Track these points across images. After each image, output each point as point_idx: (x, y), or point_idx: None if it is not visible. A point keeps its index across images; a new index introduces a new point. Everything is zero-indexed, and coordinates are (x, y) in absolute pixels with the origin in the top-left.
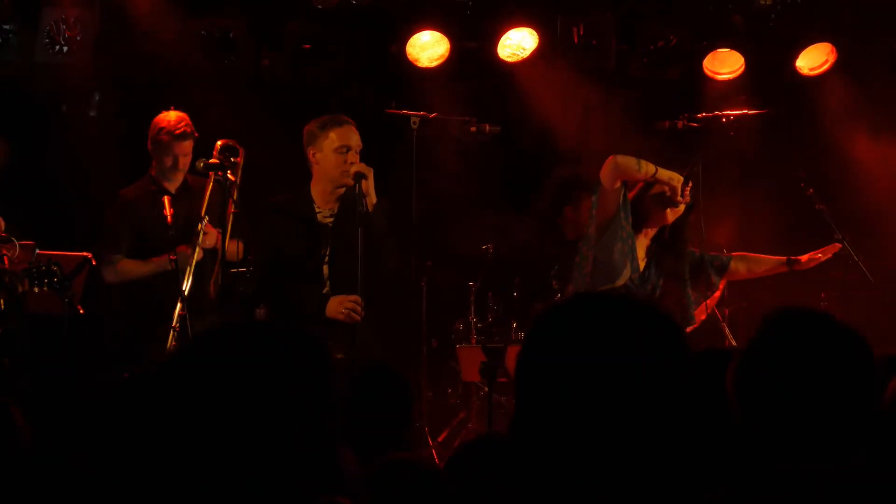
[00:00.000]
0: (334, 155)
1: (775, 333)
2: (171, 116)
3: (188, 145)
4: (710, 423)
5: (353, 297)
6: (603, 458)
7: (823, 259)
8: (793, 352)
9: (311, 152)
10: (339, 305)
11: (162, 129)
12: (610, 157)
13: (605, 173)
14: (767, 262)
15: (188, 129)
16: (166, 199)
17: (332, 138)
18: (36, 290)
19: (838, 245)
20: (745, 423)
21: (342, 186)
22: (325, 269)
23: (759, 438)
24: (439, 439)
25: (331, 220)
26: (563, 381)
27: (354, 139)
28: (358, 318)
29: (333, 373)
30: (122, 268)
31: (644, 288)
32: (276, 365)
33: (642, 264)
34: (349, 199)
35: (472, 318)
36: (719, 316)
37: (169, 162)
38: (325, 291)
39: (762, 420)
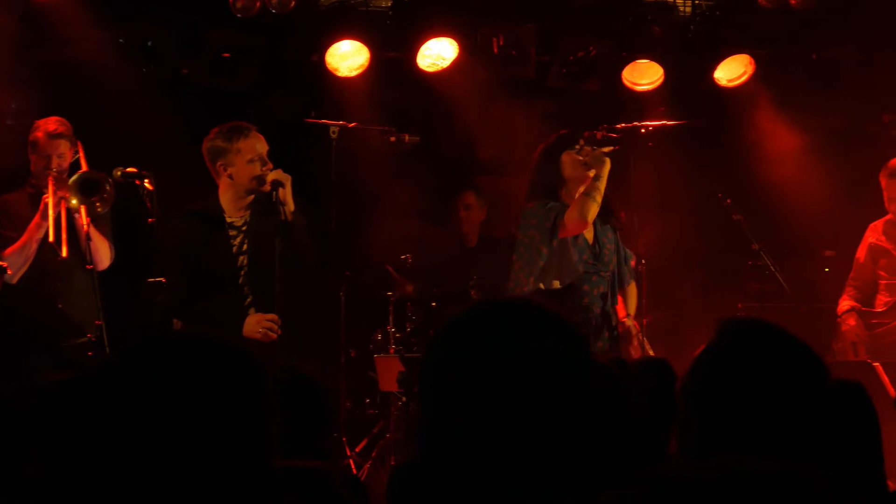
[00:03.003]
0: (248, 166)
1: (729, 342)
2: (50, 118)
3: (63, 145)
4: (611, 426)
5: (270, 316)
6: (504, 465)
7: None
8: (746, 360)
9: (221, 166)
10: (257, 325)
11: (38, 127)
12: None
13: (573, 227)
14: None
15: (65, 131)
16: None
17: (243, 150)
18: None
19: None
20: (695, 430)
21: (253, 193)
22: (245, 280)
23: (709, 444)
24: (357, 449)
25: (245, 228)
26: (463, 390)
27: (262, 146)
28: (274, 336)
29: (270, 386)
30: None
31: (600, 262)
32: (212, 379)
33: (590, 236)
34: (262, 207)
35: (391, 328)
36: (636, 326)
37: (42, 163)
38: (246, 303)
39: (713, 427)
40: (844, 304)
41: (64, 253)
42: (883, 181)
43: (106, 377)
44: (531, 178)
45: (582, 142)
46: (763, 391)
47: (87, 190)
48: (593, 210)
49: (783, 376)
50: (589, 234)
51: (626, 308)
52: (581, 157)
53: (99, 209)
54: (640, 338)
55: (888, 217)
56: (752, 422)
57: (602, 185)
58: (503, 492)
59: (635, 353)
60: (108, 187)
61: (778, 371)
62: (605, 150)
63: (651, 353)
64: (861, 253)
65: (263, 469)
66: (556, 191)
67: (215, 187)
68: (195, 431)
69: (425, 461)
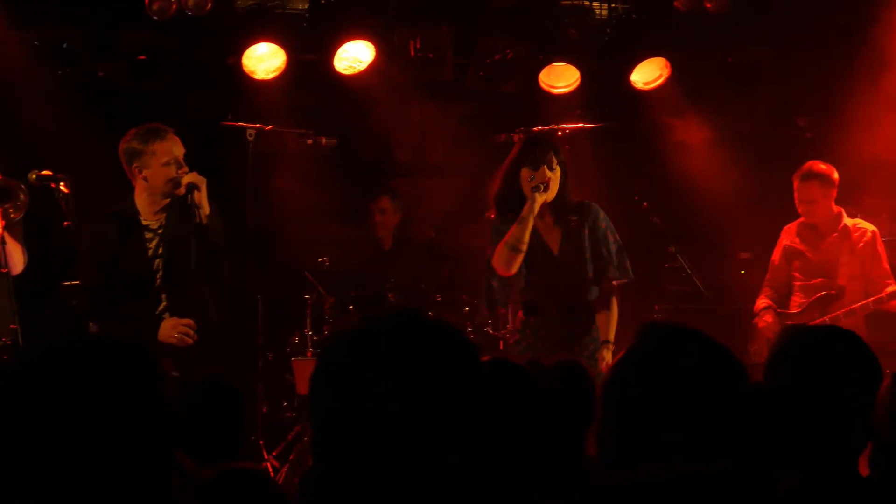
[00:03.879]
0: (164, 169)
1: (649, 346)
2: None
3: None
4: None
5: (185, 321)
6: (394, 475)
7: None
8: (667, 364)
9: (137, 168)
10: (172, 329)
11: None
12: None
13: (501, 272)
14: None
15: None
16: None
17: (159, 152)
18: None
19: None
20: (616, 435)
21: (169, 197)
22: (160, 282)
23: (630, 448)
24: (274, 453)
25: (161, 231)
26: (351, 399)
27: (178, 148)
28: (190, 341)
29: (162, 383)
30: None
31: (556, 265)
32: (101, 377)
33: (556, 247)
34: (179, 210)
35: (308, 331)
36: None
37: None
38: (161, 308)
39: (634, 431)
40: (761, 302)
41: None
42: (795, 183)
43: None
44: (498, 184)
45: (543, 168)
46: (684, 394)
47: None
48: (516, 260)
49: (704, 379)
50: (554, 245)
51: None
52: (532, 182)
53: (13, 216)
54: None
55: (802, 220)
56: (673, 425)
57: (526, 231)
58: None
59: None
60: (21, 195)
61: (698, 374)
62: (542, 185)
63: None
64: (776, 255)
65: (159, 464)
66: (517, 203)
67: (132, 190)
68: (86, 428)
69: (319, 470)
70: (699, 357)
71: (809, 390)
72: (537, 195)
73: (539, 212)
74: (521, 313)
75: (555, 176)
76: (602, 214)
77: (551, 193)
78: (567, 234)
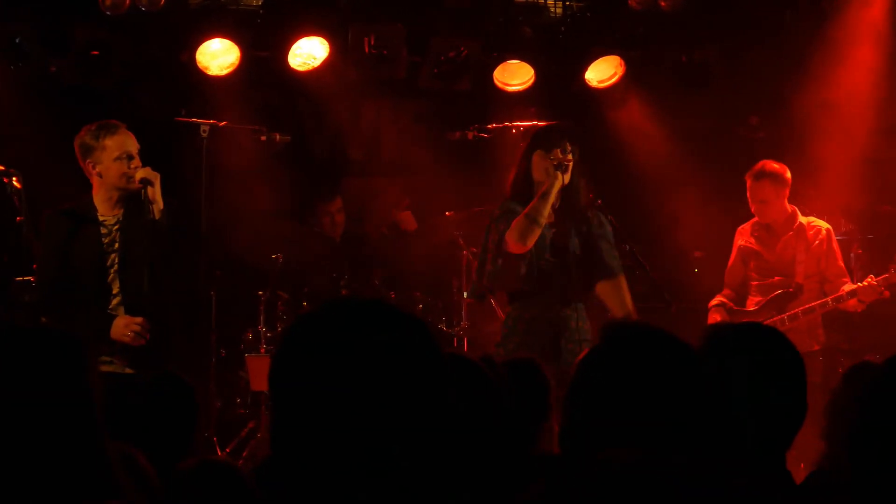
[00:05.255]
0: (116, 164)
1: (613, 345)
2: None
3: None
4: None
5: (137, 320)
6: (350, 463)
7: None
8: (632, 362)
9: (90, 164)
10: (125, 328)
11: None
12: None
13: (513, 248)
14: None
15: None
16: None
17: (110, 147)
18: None
19: None
20: (582, 433)
21: (125, 192)
22: (114, 278)
23: (595, 445)
24: (227, 449)
25: (116, 227)
26: (309, 387)
27: (131, 143)
28: (143, 341)
29: (90, 373)
30: None
31: (563, 257)
32: (24, 366)
33: (565, 240)
34: (135, 206)
35: (262, 328)
36: None
37: None
38: (114, 304)
39: (600, 429)
40: (715, 299)
41: None
42: (748, 182)
43: None
44: (513, 170)
45: (557, 150)
46: (648, 392)
47: None
48: (533, 233)
49: (666, 377)
50: (564, 238)
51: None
52: (550, 162)
53: None
54: None
55: (755, 220)
56: (638, 423)
57: (546, 205)
58: (351, 490)
59: None
60: None
61: (662, 372)
62: (563, 164)
63: None
64: (731, 256)
65: (87, 458)
66: (529, 189)
67: (86, 186)
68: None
69: (277, 460)
70: (662, 356)
71: (730, 387)
72: (559, 172)
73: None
74: (509, 308)
75: (571, 162)
76: (610, 217)
77: (568, 176)
78: (577, 227)
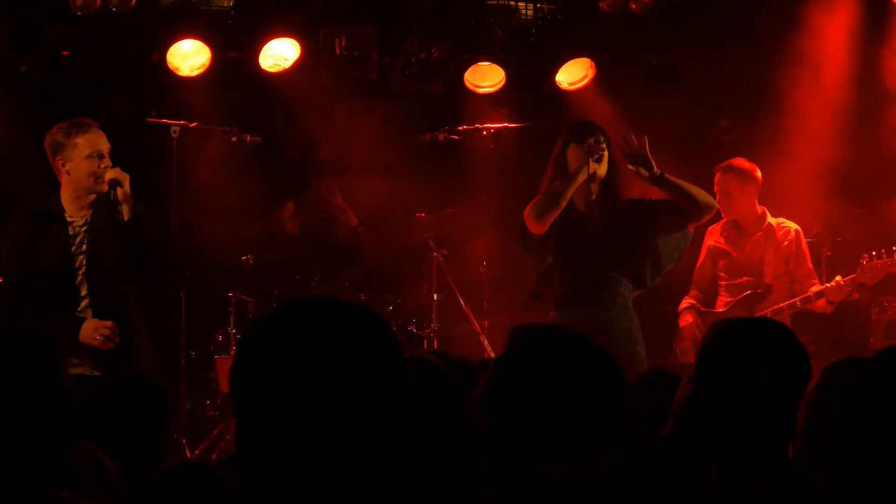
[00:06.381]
0: (86, 162)
1: (519, 351)
2: None
3: None
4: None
5: (106, 324)
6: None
7: None
8: (539, 366)
9: (60, 162)
10: (94, 332)
11: None
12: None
13: (531, 226)
14: None
15: None
16: None
17: (81, 145)
18: None
19: None
20: (493, 432)
21: (94, 193)
22: (83, 280)
23: (506, 447)
24: (197, 451)
25: (85, 228)
26: (268, 388)
27: (103, 143)
28: (112, 345)
29: (62, 370)
30: None
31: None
32: None
33: (601, 237)
34: (104, 207)
35: (232, 329)
36: (478, 328)
37: None
38: (82, 306)
39: (512, 429)
40: (684, 302)
41: None
42: (717, 175)
43: None
44: (549, 167)
45: (590, 140)
46: (559, 395)
47: None
48: (550, 213)
49: (577, 379)
50: (599, 235)
51: None
52: (582, 149)
53: None
54: None
55: (725, 220)
56: (549, 426)
57: (569, 187)
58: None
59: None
60: None
61: (571, 375)
62: (596, 154)
63: (492, 354)
64: (701, 256)
65: (55, 446)
66: None
67: (55, 185)
68: None
69: (241, 460)
70: (572, 357)
71: (739, 383)
72: (591, 160)
73: (585, 200)
74: (553, 312)
75: (605, 151)
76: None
77: (602, 168)
78: (612, 223)
